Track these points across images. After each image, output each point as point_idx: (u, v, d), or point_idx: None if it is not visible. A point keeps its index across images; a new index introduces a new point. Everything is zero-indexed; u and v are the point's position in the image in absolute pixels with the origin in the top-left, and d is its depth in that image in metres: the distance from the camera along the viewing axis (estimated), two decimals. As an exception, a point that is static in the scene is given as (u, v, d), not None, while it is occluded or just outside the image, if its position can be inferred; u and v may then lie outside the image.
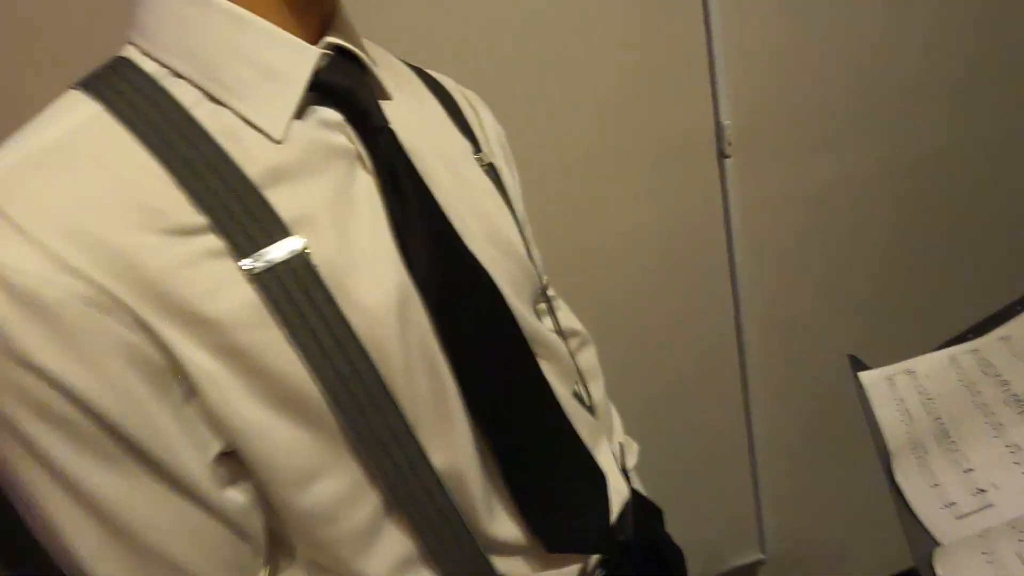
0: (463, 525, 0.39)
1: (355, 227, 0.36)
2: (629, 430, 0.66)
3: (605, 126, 0.93)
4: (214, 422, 0.32)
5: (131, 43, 0.34)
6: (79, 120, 0.31)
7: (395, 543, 0.38)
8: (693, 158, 0.99)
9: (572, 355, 0.53)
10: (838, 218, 1.09)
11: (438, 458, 0.37)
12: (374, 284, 0.35)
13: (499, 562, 0.42)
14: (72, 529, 0.30)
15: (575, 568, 0.47)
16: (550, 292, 0.59)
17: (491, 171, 0.49)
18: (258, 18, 0.33)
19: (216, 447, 0.33)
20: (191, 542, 0.33)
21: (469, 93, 0.54)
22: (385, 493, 0.37)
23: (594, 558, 0.48)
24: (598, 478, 0.48)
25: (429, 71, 0.51)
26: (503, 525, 0.42)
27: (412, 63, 0.50)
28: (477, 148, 0.49)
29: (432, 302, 0.37)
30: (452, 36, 0.82)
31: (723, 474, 1.17)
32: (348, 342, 0.33)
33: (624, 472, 0.56)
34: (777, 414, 1.16)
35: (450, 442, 0.38)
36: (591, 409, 0.57)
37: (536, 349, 0.43)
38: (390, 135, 0.38)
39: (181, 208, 0.30)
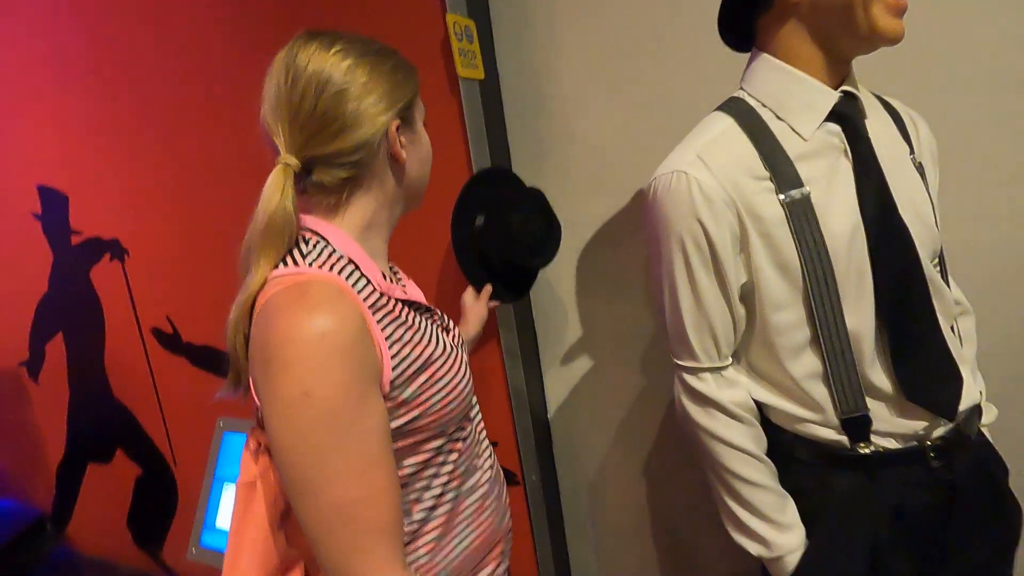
0: (854, 365, 0.71)
1: (836, 188, 0.70)
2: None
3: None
4: (747, 265, 0.72)
5: (742, 88, 0.77)
6: (725, 126, 0.73)
7: (812, 361, 0.72)
8: None
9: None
10: None
11: (850, 321, 0.70)
12: (840, 219, 0.69)
13: (870, 400, 0.72)
14: (688, 299, 0.75)
15: (920, 425, 0.71)
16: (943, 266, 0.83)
17: (920, 168, 0.77)
18: (808, 76, 0.71)
19: (744, 278, 0.73)
20: (723, 321, 0.75)
21: (913, 113, 0.83)
22: (813, 330, 0.71)
23: (937, 433, 0.71)
24: (955, 374, 0.72)
25: (886, 97, 0.82)
26: (878, 374, 0.72)
27: (875, 92, 0.81)
28: (912, 151, 0.78)
29: (871, 236, 0.70)
30: (905, 69, 0.98)
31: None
32: (820, 244, 0.68)
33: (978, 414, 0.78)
34: None
35: (859, 314, 0.70)
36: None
37: (928, 284, 0.71)
38: (867, 141, 0.72)
39: (760, 169, 0.70)
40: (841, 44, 0.69)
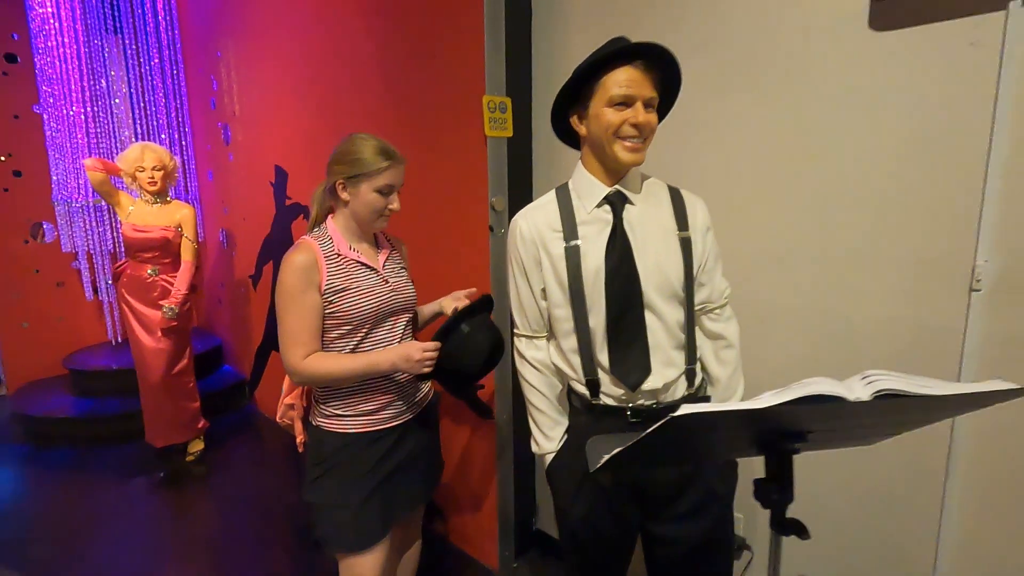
0: (590, 347, 1.14)
1: (596, 243, 1.13)
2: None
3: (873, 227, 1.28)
4: (543, 277, 1.18)
5: (570, 181, 1.21)
6: (549, 198, 1.21)
7: (572, 341, 1.16)
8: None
9: (709, 334, 1.22)
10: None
11: (591, 320, 1.13)
12: (592, 262, 1.12)
13: (599, 371, 1.14)
14: (516, 292, 1.24)
15: (621, 392, 1.13)
16: (715, 308, 1.21)
17: (685, 239, 1.14)
18: (594, 178, 1.15)
19: (541, 285, 1.19)
20: (531, 308, 1.22)
21: (696, 200, 1.19)
22: (572, 323, 1.15)
23: (637, 401, 1.13)
24: (645, 365, 1.12)
25: (682, 190, 1.19)
26: (603, 356, 1.13)
27: (674, 185, 1.21)
28: (682, 227, 1.15)
29: (608, 273, 1.10)
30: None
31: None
32: (578, 274, 1.13)
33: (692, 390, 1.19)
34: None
35: (595, 317, 1.12)
36: (691, 354, 1.18)
37: (647, 305, 1.11)
38: (620, 218, 1.13)
39: (558, 225, 1.16)
40: (607, 163, 1.12)
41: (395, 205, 1.31)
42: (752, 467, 1.52)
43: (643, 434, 0.68)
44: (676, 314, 1.14)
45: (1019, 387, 0.67)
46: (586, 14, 1.72)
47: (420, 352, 1.24)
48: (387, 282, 1.35)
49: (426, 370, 1.27)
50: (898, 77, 1.21)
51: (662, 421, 0.63)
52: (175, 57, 3.83)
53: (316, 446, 1.36)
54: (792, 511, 0.77)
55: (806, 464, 1.50)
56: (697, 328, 1.23)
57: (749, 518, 1.59)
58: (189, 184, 4.01)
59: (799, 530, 0.78)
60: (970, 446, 1.21)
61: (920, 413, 0.75)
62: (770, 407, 0.63)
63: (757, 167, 1.44)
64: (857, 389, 0.65)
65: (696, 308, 1.20)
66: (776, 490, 0.77)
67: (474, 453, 2.10)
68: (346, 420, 1.33)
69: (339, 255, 1.30)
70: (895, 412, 0.71)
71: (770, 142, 1.41)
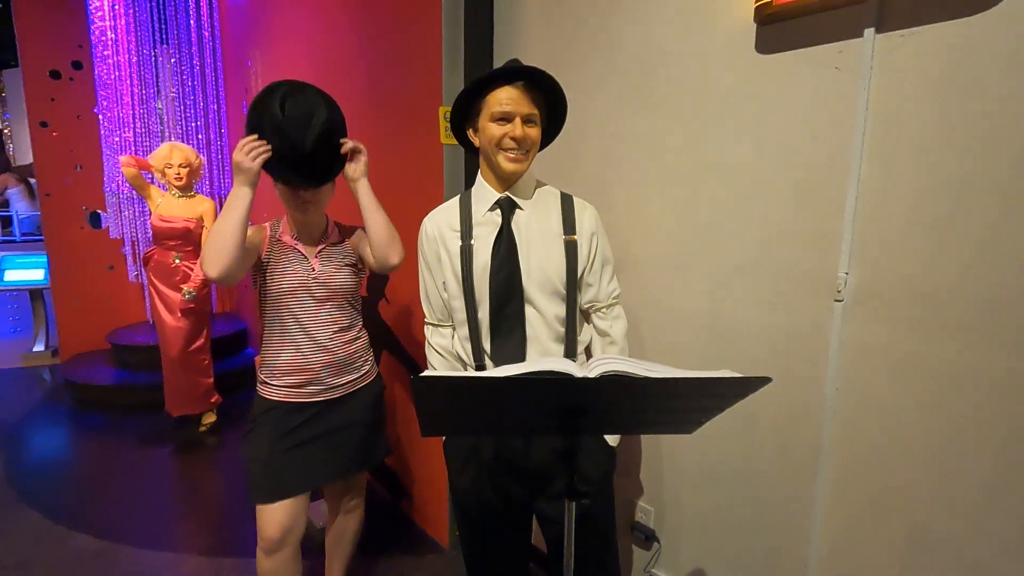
0: (479, 335, 1.28)
1: (485, 243, 1.27)
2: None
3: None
4: (443, 270, 1.32)
5: (469, 189, 1.35)
6: (453, 203, 1.35)
7: (465, 330, 1.30)
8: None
9: (598, 331, 1.34)
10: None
11: (480, 313, 1.27)
12: (481, 259, 1.26)
13: (486, 357, 1.28)
14: (423, 284, 1.39)
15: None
16: (602, 307, 1.33)
17: (570, 243, 1.26)
18: (487, 184, 1.29)
19: (441, 278, 1.33)
20: (436, 298, 1.36)
21: (586, 206, 1.31)
22: (464, 313, 1.28)
23: None
24: (521, 353, 1.25)
25: (575, 198, 1.31)
26: (488, 344, 1.27)
27: (567, 192, 1.33)
28: (568, 232, 1.27)
29: (492, 270, 1.25)
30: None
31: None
32: (469, 270, 1.26)
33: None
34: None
35: (482, 309, 1.27)
36: (570, 346, 1.29)
37: (528, 300, 1.25)
38: (508, 221, 1.27)
39: (456, 225, 1.30)
40: (496, 171, 1.25)
41: (308, 197, 1.48)
42: (655, 464, 1.62)
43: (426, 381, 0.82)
44: (556, 309, 1.26)
45: (743, 376, 0.77)
46: (541, 40, 1.85)
47: (242, 145, 1.35)
48: (314, 269, 1.53)
49: (261, 158, 1.35)
50: (777, 99, 1.28)
51: (413, 380, 0.76)
52: (216, 65, 4.21)
53: (252, 406, 1.56)
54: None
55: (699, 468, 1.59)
56: (588, 324, 1.35)
57: (659, 511, 1.68)
58: (220, 179, 4.38)
59: (581, 495, 0.91)
60: (836, 459, 1.28)
61: (662, 400, 0.85)
62: (513, 376, 0.76)
63: (662, 181, 1.54)
64: (591, 371, 0.77)
65: (585, 306, 1.32)
66: (568, 460, 0.90)
67: (432, 436, 2.26)
68: (272, 388, 1.53)
69: (278, 238, 1.51)
70: (635, 396, 0.82)
71: (672, 158, 1.51)
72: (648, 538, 1.69)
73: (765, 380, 0.78)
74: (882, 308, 1.17)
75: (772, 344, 1.35)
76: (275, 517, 1.50)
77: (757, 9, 1.25)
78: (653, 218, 1.58)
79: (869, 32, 1.12)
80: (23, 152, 8.72)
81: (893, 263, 1.14)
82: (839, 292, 1.21)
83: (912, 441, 1.16)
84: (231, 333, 4.18)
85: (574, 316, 1.29)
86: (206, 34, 4.14)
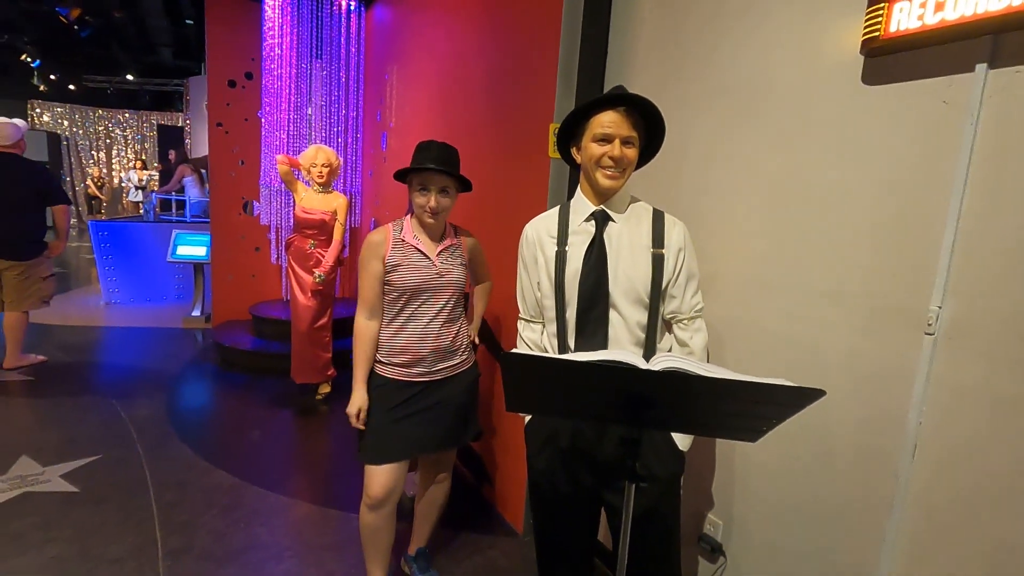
0: (566, 333, 1.41)
1: (578, 251, 1.40)
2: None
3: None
4: (539, 272, 1.47)
5: (569, 200, 1.51)
6: (554, 211, 1.50)
7: (554, 327, 1.43)
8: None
9: (678, 341, 1.44)
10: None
11: (568, 313, 1.40)
12: (573, 265, 1.39)
13: (571, 353, 1.29)
14: (520, 283, 1.56)
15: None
16: (683, 319, 1.42)
17: (658, 256, 1.37)
18: (584, 198, 1.44)
19: (536, 279, 1.49)
20: (530, 296, 1.53)
21: (676, 223, 1.41)
22: (554, 312, 1.42)
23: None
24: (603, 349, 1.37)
25: (666, 215, 1.42)
26: (574, 341, 1.40)
27: (659, 208, 1.45)
28: (656, 245, 1.37)
29: (582, 276, 1.38)
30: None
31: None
32: (561, 274, 1.40)
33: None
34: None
35: (571, 309, 1.39)
36: (649, 351, 1.39)
37: (612, 305, 1.37)
38: (601, 232, 1.40)
39: (554, 232, 1.45)
40: (594, 186, 1.37)
41: (432, 203, 1.68)
42: (727, 480, 1.64)
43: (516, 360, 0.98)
44: (638, 316, 1.37)
45: (796, 385, 0.84)
46: (651, 67, 1.96)
47: (354, 416, 1.73)
48: (435, 265, 1.75)
49: (359, 424, 1.74)
50: (880, 130, 1.30)
51: (502, 355, 0.92)
52: (358, 77, 4.73)
53: (370, 382, 1.81)
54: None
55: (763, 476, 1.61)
56: (670, 334, 1.44)
57: (727, 526, 1.71)
58: (353, 179, 4.89)
59: (641, 479, 1.02)
60: (916, 500, 1.26)
61: (719, 400, 0.93)
62: (584, 361, 0.89)
63: (756, 203, 1.58)
64: (654, 365, 0.89)
65: (667, 316, 1.42)
66: (630, 447, 1.02)
67: (517, 421, 2.43)
68: (385, 367, 1.76)
69: (402, 241, 1.74)
70: (693, 393, 0.92)
71: (769, 181, 1.55)
72: (714, 551, 1.72)
73: (819, 392, 0.84)
74: (980, 345, 1.15)
75: (854, 371, 1.36)
76: (380, 478, 1.73)
77: (864, 42, 1.28)
78: (743, 237, 1.62)
79: (981, 67, 1.12)
80: (197, 147, 10.21)
81: (994, 300, 1.12)
82: (930, 325, 1.20)
83: (1007, 489, 1.12)
84: (348, 316, 4.64)
85: (655, 324, 1.38)
86: (353, 50, 4.67)
